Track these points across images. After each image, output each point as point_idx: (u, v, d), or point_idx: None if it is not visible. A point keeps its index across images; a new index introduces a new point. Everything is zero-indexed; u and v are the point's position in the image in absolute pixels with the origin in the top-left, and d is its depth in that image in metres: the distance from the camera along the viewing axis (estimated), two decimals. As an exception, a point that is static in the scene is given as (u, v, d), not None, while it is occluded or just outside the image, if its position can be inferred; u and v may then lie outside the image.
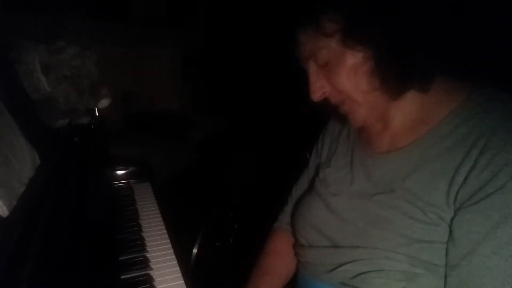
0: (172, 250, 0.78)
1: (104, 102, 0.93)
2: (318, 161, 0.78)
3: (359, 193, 0.63)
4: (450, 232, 0.51)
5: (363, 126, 0.67)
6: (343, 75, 0.57)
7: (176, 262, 0.74)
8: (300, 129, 0.81)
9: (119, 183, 1.05)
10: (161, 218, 0.90)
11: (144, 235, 0.81)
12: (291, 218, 0.78)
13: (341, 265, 0.60)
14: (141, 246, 0.77)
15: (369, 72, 0.55)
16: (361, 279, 0.58)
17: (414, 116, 0.60)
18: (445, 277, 0.52)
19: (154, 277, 0.69)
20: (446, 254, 0.52)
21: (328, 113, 0.78)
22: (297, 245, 0.73)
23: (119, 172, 1.06)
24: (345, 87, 0.57)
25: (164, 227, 0.86)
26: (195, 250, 1.33)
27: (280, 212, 0.85)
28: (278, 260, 0.77)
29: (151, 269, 0.71)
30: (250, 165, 2.17)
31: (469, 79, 0.58)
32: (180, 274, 0.71)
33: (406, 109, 0.60)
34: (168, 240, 0.81)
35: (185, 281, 0.70)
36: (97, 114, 0.98)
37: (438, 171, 0.53)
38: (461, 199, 0.50)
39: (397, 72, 0.55)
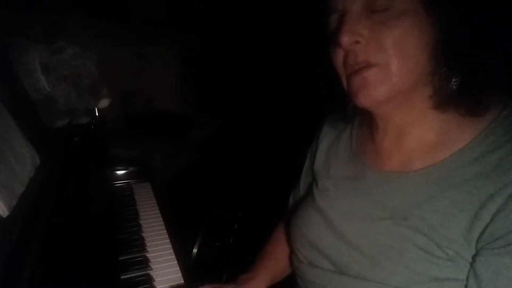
0: (172, 250, 0.78)
1: (104, 102, 0.93)
2: (313, 167, 0.71)
3: (366, 214, 0.56)
4: (474, 271, 0.46)
5: (371, 135, 0.60)
6: (399, 31, 0.45)
7: (176, 262, 0.74)
8: (301, 129, 0.80)
9: (119, 183, 1.05)
10: (161, 218, 0.89)
11: (144, 235, 0.81)
12: (288, 228, 0.72)
13: None
14: (141, 246, 0.77)
15: (429, 49, 0.46)
16: None
17: (433, 137, 0.52)
18: None
19: (154, 277, 0.68)
20: None
21: (327, 112, 0.72)
22: (294, 258, 0.67)
23: (119, 172, 1.06)
24: (393, 46, 0.46)
25: (164, 227, 0.86)
26: (195, 250, 1.33)
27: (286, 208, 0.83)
28: (278, 247, 0.76)
29: (151, 269, 0.71)
30: (250, 165, 2.17)
31: (496, 98, 0.49)
32: (180, 274, 0.71)
33: (424, 126, 0.53)
34: (168, 240, 0.81)
35: (185, 281, 0.70)
36: (97, 114, 0.98)
37: (459, 202, 0.47)
38: (486, 239, 0.45)
39: (461, 69, 0.45)
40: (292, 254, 0.69)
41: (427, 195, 0.50)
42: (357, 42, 0.48)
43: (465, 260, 0.47)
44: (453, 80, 0.46)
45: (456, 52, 0.45)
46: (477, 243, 0.46)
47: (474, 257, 0.46)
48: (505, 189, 0.43)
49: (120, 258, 0.72)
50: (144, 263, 0.72)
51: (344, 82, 0.53)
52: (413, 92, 0.50)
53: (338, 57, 0.52)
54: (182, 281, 0.70)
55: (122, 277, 0.67)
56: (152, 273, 0.70)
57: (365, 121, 0.63)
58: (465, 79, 0.46)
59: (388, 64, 0.47)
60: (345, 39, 0.47)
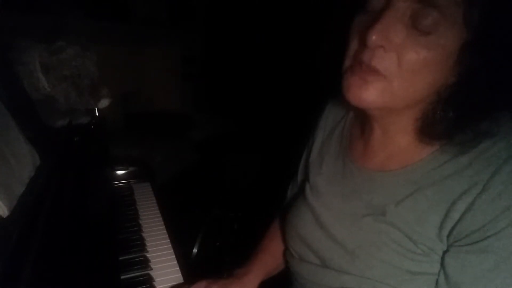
0: (172, 250, 0.78)
1: (104, 102, 0.93)
2: (308, 160, 0.72)
3: (350, 211, 0.58)
4: (443, 266, 0.48)
5: (361, 131, 0.61)
6: (424, 61, 0.44)
7: (176, 262, 0.74)
8: (300, 129, 0.80)
9: (119, 183, 1.05)
10: (161, 218, 0.90)
11: (144, 235, 0.81)
12: (282, 223, 0.75)
13: None
14: (141, 246, 0.77)
15: (437, 86, 0.46)
16: None
17: (413, 141, 0.53)
18: None
19: (154, 277, 0.69)
20: (437, 286, 0.49)
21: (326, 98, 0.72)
22: (287, 253, 0.70)
23: (119, 172, 1.06)
24: (410, 69, 0.44)
25: (164, 227, 0.86)
26: (195, 250, 1.33)
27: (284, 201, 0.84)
28: (274, 241, 0.77)
29: (151, 269, 0.71)
30: (250, 165, 2.17)
31: None
32: (180, 274, 0.71)
33: (409, 133, 0.54)
34: (168, 240, 0.81)
35: (185, 281, 0.70)
36: (97, 114, 0.97)
37: (434, 201, 0.49)
38: (455, 237, 0.47)
39: (461, 111, 0.45)
40: (285, 249, 0.72)
41: (406, 193, 0.52)
42: (381, 46, 0.44)
43: (438, 255, 0.49)
44: (445, 114, 0.47)
45: (464, 100, 0.45)
46: (448, 239, 0.48)
47: (443, 253, 0.49)
48: (474, 189, 0.45)
49: (120, 258, 0.72)
50: (144, 263, 0.72)
51: (347, 65, 0.51)
52: (402, 111, 0.51)
53: (354, 43, 0.49)
54: (182, 281, 0.70)
55: (122, 277, 0.67)
56: (152, 273, 0.70)
57: (358, 116, 0.64)
58: (458, 117, 0.46)
59: (392, 81, 0.46)
60: (374, 39, 0.43)
